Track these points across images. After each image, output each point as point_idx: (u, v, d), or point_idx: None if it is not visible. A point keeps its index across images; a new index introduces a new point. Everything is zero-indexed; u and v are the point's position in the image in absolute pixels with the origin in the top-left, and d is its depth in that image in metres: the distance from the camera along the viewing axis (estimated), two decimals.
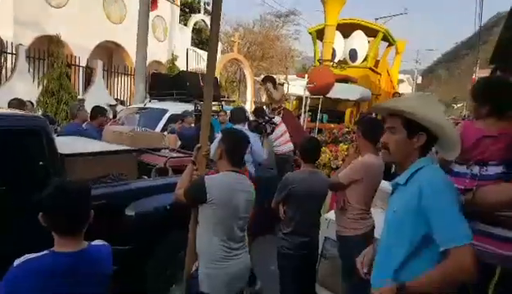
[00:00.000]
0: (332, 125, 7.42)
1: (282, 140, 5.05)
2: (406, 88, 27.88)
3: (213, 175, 2.17)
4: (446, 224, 1.29)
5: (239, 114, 4.19)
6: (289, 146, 5.00)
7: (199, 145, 2.32)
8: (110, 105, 8.45)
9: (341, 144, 5.92)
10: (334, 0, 8.15)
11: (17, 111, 2.97)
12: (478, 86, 2.03)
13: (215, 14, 2.35)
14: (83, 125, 4.37)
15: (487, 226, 1.78)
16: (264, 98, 6.15)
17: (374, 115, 3.64)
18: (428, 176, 1.38)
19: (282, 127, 4.98)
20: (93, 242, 1.57)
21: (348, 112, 7.83)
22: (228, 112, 4.99)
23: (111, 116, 7.15)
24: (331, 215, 3.07)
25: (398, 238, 1.40)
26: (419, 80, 35.78)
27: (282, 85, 6.60)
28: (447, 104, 47.35)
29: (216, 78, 8.91)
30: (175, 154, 3.84)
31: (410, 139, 1.45)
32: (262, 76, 8.17)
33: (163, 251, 2.86)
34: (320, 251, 3.08)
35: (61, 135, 4.12)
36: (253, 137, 4.02)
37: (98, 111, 4.50)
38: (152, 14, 12.48)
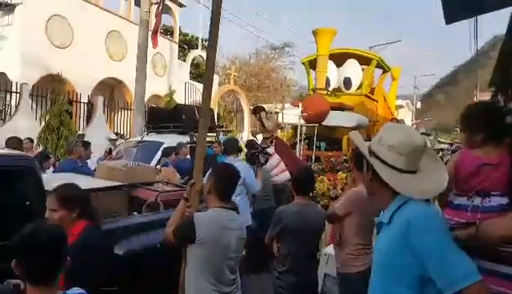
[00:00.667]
0: (330, 153, 7.32)
1: (278, 170, 4.96)
2: (405, 113, 28.02)
3: (202, 213, 2.08)
4: (447, 266, 1.13)
5: (231, 145, 4.13)
6: (286, 175, 4.92)
7: (192, 181, 2.25)
8: (110, 139, 8.45)
9: (339, 173, 5.85)
10: (325, 32, 8.32)
11: (5, 150, 2.91)
12: (468, 115, 1.89)
13: (211, 46, 2.35)
14: (79, 161, 4.33)
15: (489, 263, 1.62)
16: (257, 127, 6.14)
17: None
18: (412, 213, 1.25)
19: (277, 156, 4.93)
20: (69, 291, 1.43)
21: (345, 139, 7.72)
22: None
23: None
24: (330, 249, 2.93)
25: (394, 277, 1.26)
26: (419, 105, 36.05)
27: (276, 114, 6.60)
28: (449, 128, 47.37)
29: (211, 110, 8.94)
30: (167, 188, 3.75)
31: (367, 172, 1.40)
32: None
33: (153, 292, 2.70)
34: (320, 289, 2.90)
35: (57, 172, 4.06)
36: (247, 168, 3.94)
37: (84, 145, 4.55)
38: (152, 51, 12.76)
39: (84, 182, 3.39)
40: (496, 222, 1.64)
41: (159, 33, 11.02)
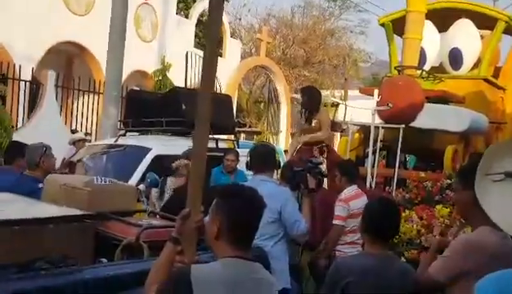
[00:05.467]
0: (423, 173, 7.27)
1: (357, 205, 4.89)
2: None
3: (205, 266, 2.10)
4: None
5: (262, 157, 4.16)
6: None
7: (185, 211, 2.28)
8: (75, 142, 8.72)
9: (438, 207, 5.81)
10: None
11: None
12: None
13: None
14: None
15: None
16: (314, 123, 6.24)
17: None
18: None
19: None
20: None
21: (449, 151, 7.66)
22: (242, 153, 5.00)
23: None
24: None
25: None
26: None
27: (335, 107, 6.63)
28: None
29: (228, 97, 9.09)
30: (156, 222, 3.81)
31: None
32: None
33: None
34: None
35: None
36: (286, 194, 3.98)
37: (16, 151, 4.81)
38: (136, 0, 13.11)
39: (19, 207, 3.49)
40: None
41: None
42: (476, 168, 2.72)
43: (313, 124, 6.11)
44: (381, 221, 2.74)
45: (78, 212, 3.43)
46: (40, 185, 4.20)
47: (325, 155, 5.79)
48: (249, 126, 20.22)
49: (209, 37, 2.42)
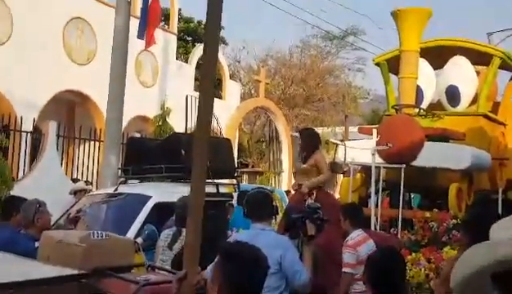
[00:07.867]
0: (428, 213, 7.22)
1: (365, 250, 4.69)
2: None
3: None
4: None
5: (259, 205, 4.07)
6: None
7: (181, 273, 2.20)
8: (76, 192, 8.62)
9: (446, 248, 5.77)
10: (413, 13, 8.29)
11: None
12: None
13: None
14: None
15: None
16: (308, 164, 6.10)
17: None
18: None
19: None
20: None
21: (452, 190, 7.59)
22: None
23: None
24: None
25: None
26: None
27: (335, 146, 6.57)
28: None
29: (227, 140, 9.07)
30: (154, 277, 3.72)
31: None
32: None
33: None
34: None
35: None
36: (285, 244, 3.89)
37: (12, 207, 4.72)
38: (136, 48, 13.28)
39: (13, 268, 3.42)
40: None
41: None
42: (480, 220, 2.68)
43: (307, 165, 5.98)
44: (383, 275, 2.68)
45: (72, 272, 3.35)
46: (36, 244, 4.11)
47: (315, 195, 5.64)
48: (252, 167, 20.18)
49: (205, 78, 2.38)
